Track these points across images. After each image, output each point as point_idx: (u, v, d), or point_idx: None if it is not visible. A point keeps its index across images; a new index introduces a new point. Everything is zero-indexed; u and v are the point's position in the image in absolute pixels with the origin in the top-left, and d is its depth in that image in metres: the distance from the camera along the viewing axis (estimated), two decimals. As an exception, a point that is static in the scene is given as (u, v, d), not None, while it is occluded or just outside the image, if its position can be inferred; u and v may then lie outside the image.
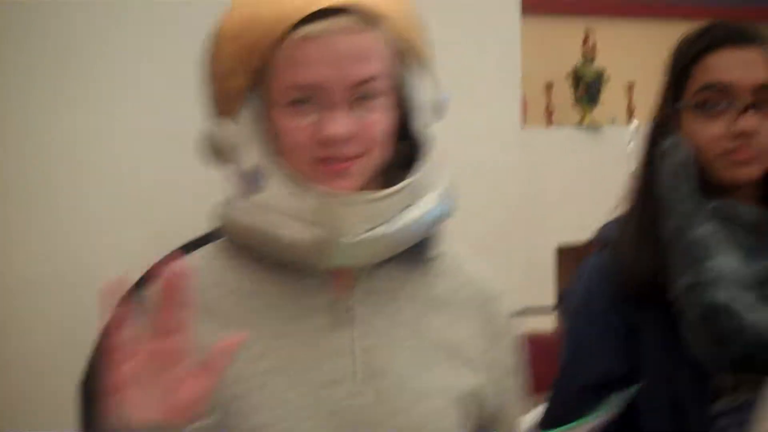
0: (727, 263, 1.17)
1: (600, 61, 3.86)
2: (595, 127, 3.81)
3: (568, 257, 3.52)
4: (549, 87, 3.82)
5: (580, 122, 3.84)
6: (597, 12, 3.94)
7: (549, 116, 3.84)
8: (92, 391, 2.51)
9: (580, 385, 1.25)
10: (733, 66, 1.25)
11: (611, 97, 3.91)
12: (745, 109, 1.23)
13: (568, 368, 1.31)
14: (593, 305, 1.31)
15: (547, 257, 3.58)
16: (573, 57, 3.86)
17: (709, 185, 1.24)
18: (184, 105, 2.24)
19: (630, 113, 3.97)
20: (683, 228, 1.19)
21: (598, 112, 3.88)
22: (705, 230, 1.18)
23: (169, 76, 2.59)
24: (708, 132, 1.24)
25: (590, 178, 3.70)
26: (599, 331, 1.28)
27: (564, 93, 3.87)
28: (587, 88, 3.83)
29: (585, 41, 3.84)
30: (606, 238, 1.34)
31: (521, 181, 3.35)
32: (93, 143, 2.59)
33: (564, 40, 3.86)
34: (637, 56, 4.03)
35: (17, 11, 2.44)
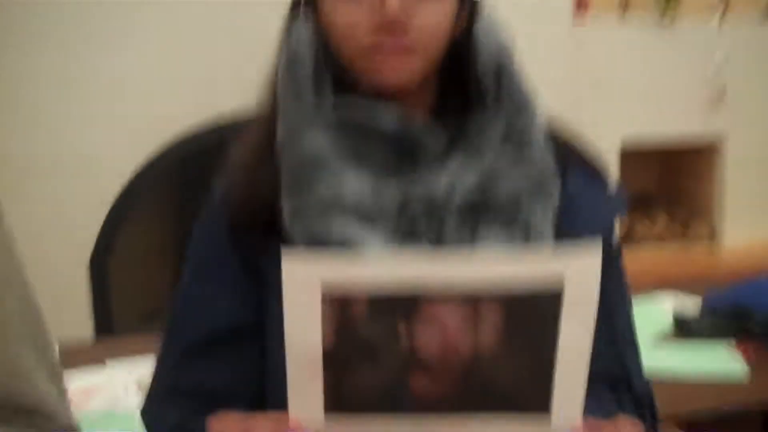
0: (345, 185, 0.87)
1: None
2: (671, 25, 3.41)
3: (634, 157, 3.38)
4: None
5: (661, 17, 3.41)
6: None
7: (623, 10, 3.43)
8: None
9: (188, 343, 0.97)
10: None
11: None
12: None
13: (175, 323, 1.00)
14: (206, 241, 1.00)
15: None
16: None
17: (363, 84, 0.91)
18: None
19: (724, 12, 3.53)
20: (292, 136, 0.89)
21: (685, 9, 3.46)
22: (319, 140, 0.88)
23: None
24: (345, 18, 0.90)
25: (661, 79, 3.43)
26: (211, 272, 0.98)
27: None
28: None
29: None
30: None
31: (575, 79, 3.11)
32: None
33: None
34: None
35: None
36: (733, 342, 1.83)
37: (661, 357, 1.78)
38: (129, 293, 2.96)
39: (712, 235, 3.64)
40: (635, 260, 3.23)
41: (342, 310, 0.73)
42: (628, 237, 3.54)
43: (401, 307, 0.73)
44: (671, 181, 3.92)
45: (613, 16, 3.46)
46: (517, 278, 0.72)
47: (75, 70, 2.71)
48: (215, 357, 0.94)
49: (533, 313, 0.73)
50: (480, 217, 0.85)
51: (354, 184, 0.86)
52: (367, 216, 0.85)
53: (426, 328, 0.73)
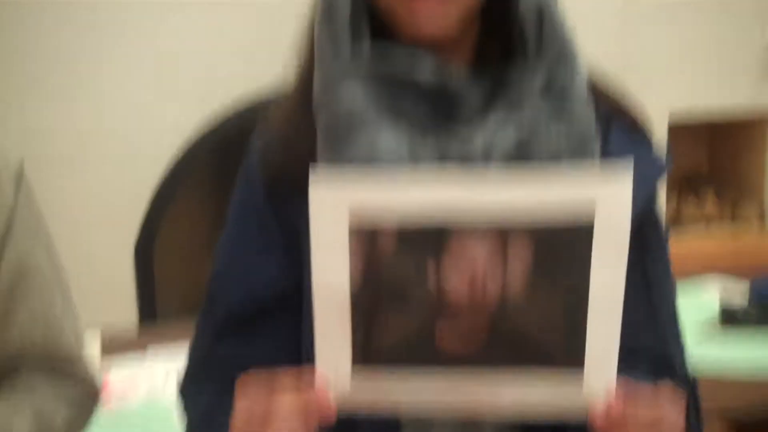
0: (381, 142, 0.83)
1: None
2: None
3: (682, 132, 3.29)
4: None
5: None
6: None
7: None
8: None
9: (227, 314, 0.94)
10: None
11: None
12: None
13: (214, 292, 0.97)
14: (247, 197, 0.97)
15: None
16: None
17: (401, 34, 0.88)
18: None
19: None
20: (329, 91, 0.86)
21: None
22: (355, 94, 0.85)
23: None
24: None
25: (711, 48, 3.34)
26: (250, 238, 0.95)
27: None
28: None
29: None
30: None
31: (623, 51, 3.03)
32: None
33: None
34: None
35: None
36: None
37: (706, 349, 1.73)
38: (173, 281, 2.99)
39: (762, 216, 3.56)
40: (681, 243, 3.17)
41: (370, 244, 0.71)
42: (675, 219, 3.47)
43: (430, 240, 0.71)
44: (720, 160, 3.84)
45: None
46: (546, 205, 0.70)
47: (112, 52, 2.72)
48: (254, 330, 0.92)
49: (563, 246, 0.71)
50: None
51: (390, 141, 0.84)
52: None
53: (455, 265, 0.71)
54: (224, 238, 0.98)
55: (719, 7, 3.35)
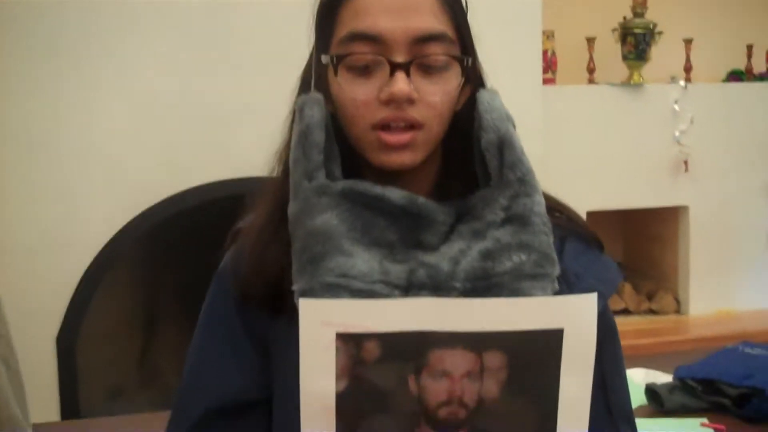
0: (354, 264, 0.88)
1: (651, 15, 3.52)
2: (637, 86, 3.48)
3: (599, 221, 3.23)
4: (591, 42, 3.51)
5: (628, 80, 3.50)
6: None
7: (591, 73, 3.52)
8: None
9: (202, 410, 0.97)
10: (385, 10, 0.91)
11: (665, 53, 3.59)
12: (399, 69, 0.90)
13: (186, 390, 1.00)
14: (217, 309, 1.02)
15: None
16: (621, 9, 3.53)
17: (369, 165, 0.94)
18: (154, 67, 2.70)
19: (687, 73, 3.63)
20: (302, 215, 0.90)
21: (649, 70, 3.54)
22: (327, 218, 0.89)
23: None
24: (356, 96, 0.92)
25: (627, 141, 3.49)
26: (221, 343, 1.00)
27: (613, 49, 3.60)
28: (636, 44, 3.49)
29: (635, -8, 3.52)
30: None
31: (543, 142, 3.10)
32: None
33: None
34: (693, 10, 3.73)
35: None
36: (706, 418, 1.84)
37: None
38: (97, 374, 2.91)
39: (678, 306, 3.67)
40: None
41: (355, 354, 0.75)
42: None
43: (410, 352, 0.75)
44: (635, 250, 3.97)
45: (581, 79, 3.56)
46: (518, 325, 0.75)
47: (42, 134, 2.70)
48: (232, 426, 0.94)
49: (535, 362, 0.76)
50: (482, 294, 0.87)
51: (362, 264, 0.87)
52: (375, 297, 0.87)
53: (433, 377, 0.76)
54: (194, 347, 1.01)
55: (635, 98, 3.53)
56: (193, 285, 2.96)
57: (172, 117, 2.78)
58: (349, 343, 0.74)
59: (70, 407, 2.73)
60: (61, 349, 2.72)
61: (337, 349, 0.74)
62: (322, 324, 0.74)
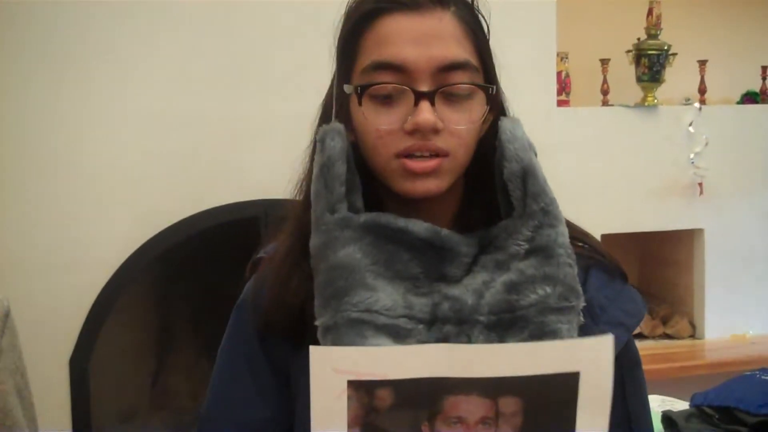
0: (378, 298, 0.86)
1: (665, 36, 3.51)
2: (651, 107, 3.46)
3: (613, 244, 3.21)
4: (605, 63, 3.50)
5: (642, 102, 3.49)
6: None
7: (605, 94, 3.51)
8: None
9: None
10: (408, 39, 0.90)
11: (680, 75, 3.58)
12: (423, 98, 0.89)
13: (210, 414, 1.01)
14: (239, 339, 1.02)
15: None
16: (635, 31, 3.52)
17: (391, 195, 0.95)
18: (167, 88, 2.74)
19: (702, 94, 3.61)
20: (325, 248, 0.89)
21: (664, 92, 3.53)
22: (350, 252, 0.88)
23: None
24: (379, 126, 0.91)
25: (642, 163, 3.45)
26: (243, 370, 1.00)
27: (627, 70, 3.58)
28: (650, 65, 3.48)
29: (649, 13, 3.49)
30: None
31: (558, 164, 3.03)
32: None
33: (626, 13, 3.56)
34: (707, 31, 3.72)
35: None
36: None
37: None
38: (109, 395, 2.90)
39: (693, 331, 3.64)
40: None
41: (367, 402, 0.74)
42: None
43: (424, 399, 0.74)
44: (650, 272, 3.94)
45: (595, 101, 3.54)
46: (533, 369, 0.74)
47: (57, 156, 2.71)
48: None
49: (550, 406, 0.75)
50: (507, 328, 0.86)
51: (386, 298, 0.86)
52: (399, 332, 0.86)
53: (448, 424, 0.75)
54: (215, 379, 1.00)
55: (649, 121, 3.51)
56: (206, 308, 2.98)
57: (185, 139, 2.78)
58: (361, 390, 0.73)
59: (82, 429, 2.72)
60: (74, 370, 2.71)
61: (349, 397, 0.73)
62: (333, 372, 0.73)
